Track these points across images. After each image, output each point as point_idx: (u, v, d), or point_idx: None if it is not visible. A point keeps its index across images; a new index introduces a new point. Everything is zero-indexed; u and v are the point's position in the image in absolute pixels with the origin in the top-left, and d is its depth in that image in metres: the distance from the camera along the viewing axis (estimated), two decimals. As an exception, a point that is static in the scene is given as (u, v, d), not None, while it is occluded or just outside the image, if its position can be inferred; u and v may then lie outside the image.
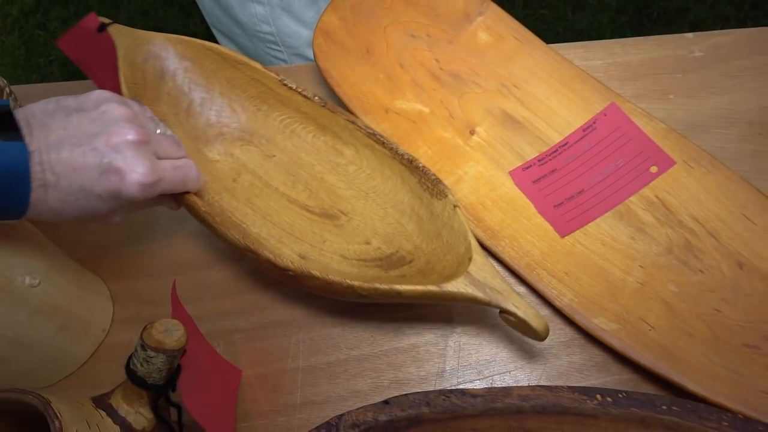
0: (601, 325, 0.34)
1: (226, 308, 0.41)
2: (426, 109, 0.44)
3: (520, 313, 0.32)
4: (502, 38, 0.44)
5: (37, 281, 0.36)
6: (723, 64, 0.44)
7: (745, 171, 0.38)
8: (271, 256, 0.34)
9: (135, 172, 0.31)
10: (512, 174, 0.41)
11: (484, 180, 0.41)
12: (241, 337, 0.39)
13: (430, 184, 0.37)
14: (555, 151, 0.41)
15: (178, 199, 0.37)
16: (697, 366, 0.31)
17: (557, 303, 0.35)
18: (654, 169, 0.38)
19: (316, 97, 0.41)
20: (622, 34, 1.31)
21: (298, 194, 0.41)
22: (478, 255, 0.34)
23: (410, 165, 0.38)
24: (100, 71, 0.46)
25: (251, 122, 0.43)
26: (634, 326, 0.33)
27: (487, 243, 0.38)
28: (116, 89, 0.39)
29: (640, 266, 0.36)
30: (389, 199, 0.40)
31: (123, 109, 0.33)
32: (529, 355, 0.36)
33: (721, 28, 1.23)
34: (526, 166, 0.41)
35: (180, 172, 0.35)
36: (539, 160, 0.41)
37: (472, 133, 0.43)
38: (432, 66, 0.45)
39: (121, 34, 0.42)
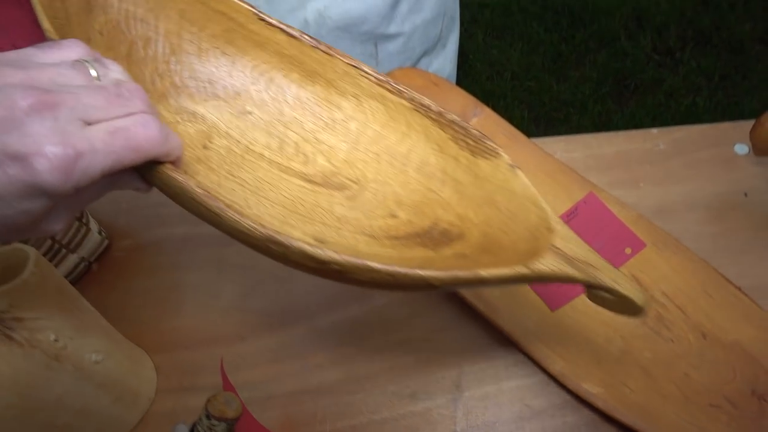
0: (588, 388, 0.39)
1: (259, 377, 0.46)
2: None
3: (621, 288, 0.28)
4: (495, 135, 0.52)
5: (101, 358, 0.41)
6: (683, 156, 0.51)
7: (706, 251, 0.45)
8: (306, 248, 0.24)
9: (40, 152, 0.21)
10: (508, 255, 0.47)
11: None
12: (273, 404, 0.45)
13: (471, 141, 0.31)
14: (544, 235, 0.47)
15: (146, 175, 0.26)
16: (671, 424, 0.37)
17: (550, 369, 0.41)
18: (628, 251, 0.45)
19: (306, 36, 0.33)
20: (603, 104, 1.41)
21: (290, 160, 0.33)
22: (558, 224, 0.28)
23: (440, 118, 0.32)
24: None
25: (214, 70, 0.34)
26: (616, 389, 0.39)
27: (488, 315, 0.44)
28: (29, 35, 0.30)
29: (620, 337, 0.42)
30: (409, 161, 0.33)
31: (9, 57, 0.23)
32: (529, 415, 0.42)
33: (693, 98, 1.34)
34: (520, 248, 0.47)
35: (122, 135, 0.24)
36: (530, 243, 0.47)
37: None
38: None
39: None
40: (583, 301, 0.44)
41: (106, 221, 0.58)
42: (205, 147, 0.32)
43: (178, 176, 0.25)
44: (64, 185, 0.22)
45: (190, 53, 0.33)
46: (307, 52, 0.33)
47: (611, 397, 0.38)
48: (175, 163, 0.26)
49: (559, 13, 1.59)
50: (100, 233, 0.56)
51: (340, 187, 0.33)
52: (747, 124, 0.51)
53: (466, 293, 0.43)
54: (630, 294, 0.28)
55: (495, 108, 1.44)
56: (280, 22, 0.32)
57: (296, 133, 0.34)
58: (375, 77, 0.33)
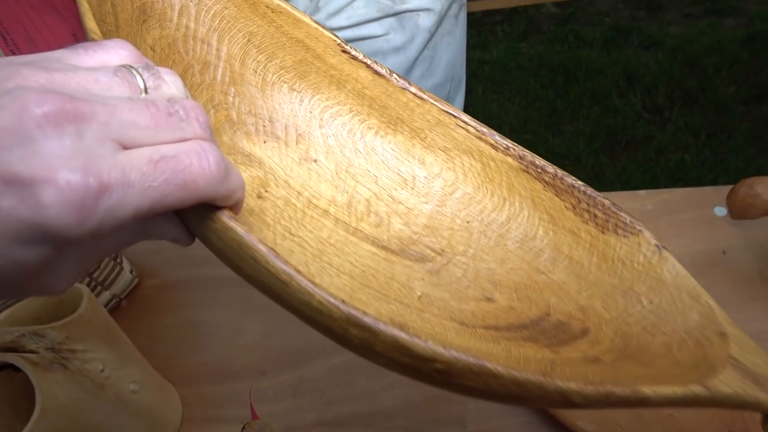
0: (584, 426, 0.43)
1: (279, 410, 0.50)
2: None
3: None
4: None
5: (137, 388, 0.45)
6: (669, 216, 0.57)
7: (689, 303, 0.50)
8: (404, 337, 0.18)
9: (50, 179, 0.15)
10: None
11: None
12: (293, 436, 0.48)
13: (599, 213, 0.25)
14: (542, 284, 0.52)
15: (192, 222, 0.21)
16: (657, 460, 0.41)
17: (550, 410, 0.45)
18: (619, 301, 0.49)
19: (395, 75, 0.28)
20: (596, 157, 1.48)
21: (360, 221, 0.27)
22: (732, 327, 0.22)
23: (560, 183, 0.26)
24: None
25: (277, 107, 0.29)
26: (608, 428, 0.43)
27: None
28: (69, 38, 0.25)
29: (611, 379, 0.46)
30: (509, 232, 0.27)
31: (31, 58, 0.18)
32: (528, 451, 0.46)
33: (682, 155, 1.41)
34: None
35: (169, 166, 0.18)
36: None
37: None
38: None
39: None
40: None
41: (135, 260, 0.62)
42: (259, 196, 0.26)
43: (238, 227, 0.19)
44: (78, 228, 0.16)
45: (253, 85, 0.28)
46: (393, 95, 0.28)
47: (604, 434, 0.42)
48: (235, 209, 0.20)
49: (555, 70, 1.68)
50: (131, 272, 0.60)
51: (421, 259, 0.26)
52: (726, 189, 0.57)
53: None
54: None
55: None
56: (366, 57, 0.27)
57: (368, 189, 0.28)
58: (475, 128, 0.27)
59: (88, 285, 0.56)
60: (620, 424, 0.43)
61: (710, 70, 1.59)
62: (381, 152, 0.29)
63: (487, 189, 0.28)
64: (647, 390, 0.19)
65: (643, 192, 0.59)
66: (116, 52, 0.20)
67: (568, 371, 0.21)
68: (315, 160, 0.28)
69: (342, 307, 0.18)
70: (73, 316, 0.41)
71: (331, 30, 0.36)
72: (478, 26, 1.74)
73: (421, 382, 0.19)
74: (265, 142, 0.28)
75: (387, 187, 0.28)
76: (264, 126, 0.29)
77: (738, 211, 0.50)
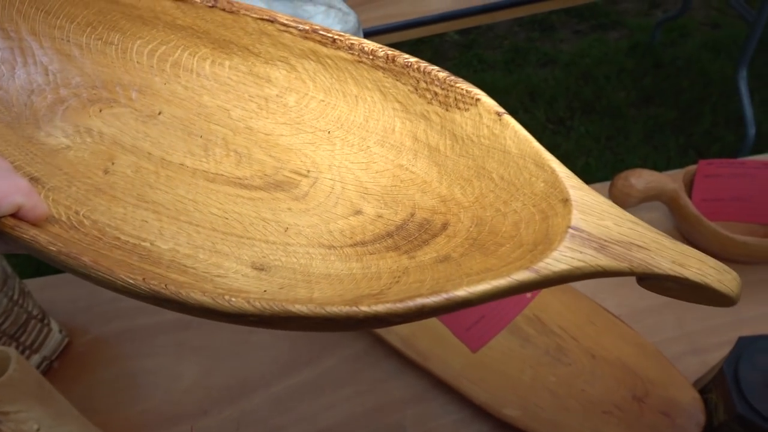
0: (509, 413, 0.47)
1: (225, 446, 0.51)
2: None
3: (691, 274, 0.19)
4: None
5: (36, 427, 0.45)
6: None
7: (590, 288, 0.55)
8: (207, 300, 0.19)
9: None
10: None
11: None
12: (241, 467, 0.49)
13: (438, 88, 0.24)
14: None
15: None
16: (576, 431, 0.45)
17: (476, 401, 0.48)
18: (528, 295, 0.54)
19: None
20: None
21: (219, 164, 0.26)
22: (578, 191, 0.20)
23: (394, 65, 0.24)
24: None
25: (102, 67, 0.27)
26: (530, 410, 0.47)
27: (421, 363, 0.52)
28: None
29: (530, 366, 0.50)
30: (368, 132, 0.26)
31: None
32: (463, 445, 0.49)
33: (586, 159, 1.50)
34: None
35: None
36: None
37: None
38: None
39: None
40: (497, 341, 0.53)
41: (64, 320, 0.62)
42: (106, 171, 0.25)
43: (25, 232, 0.20)
44: None
45: (69, 54, 0.26)
46: (206, 17, 0.26)
47: (527, 417, 0.47)
48: (26, 213, 0.21)
49: (464, 93, 1.78)
50: (60, 332, 0.60)
51: (286, 186, 0.25)
52: (608, 184, 0.63)
53: (399, 345, 0.51)
54: (706, 281, 0.19)
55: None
56: None
57: (223, 126, 0.26)
58: (297, 28, 0.25)
59: (16, 349, 0.55)
60: (540, 406, 0.47)
61: (602, 80, 1.74)
62: (225, 80, 0.27)
63: (337, 91, 0.26)
64: (461, 292, 0.18)
65: (541, 195, 0.65)
66: None
67: (411, 280, 0.21)
68: (159, 113, 0.27)
69: (142, 283, 0.19)
70: (3, 379, 0.41)
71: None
72: (388, 58, 1.82)
73: (256, 327, 0.20)
74: (101, 110, 0.26)
75: (241, 119, 0.27)
76: (96, 93, 0.26)
77: (619, 201, 0.57)
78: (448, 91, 0.24)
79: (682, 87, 1.67)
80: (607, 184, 0.63)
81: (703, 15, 1.87)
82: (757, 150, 1.49)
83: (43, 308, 0.58)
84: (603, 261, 0.19)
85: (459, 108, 0.24)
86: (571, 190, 0.21)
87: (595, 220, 0.20)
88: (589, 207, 0.20)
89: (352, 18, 0.69)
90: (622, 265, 0.19)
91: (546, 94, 1.72)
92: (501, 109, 0.23)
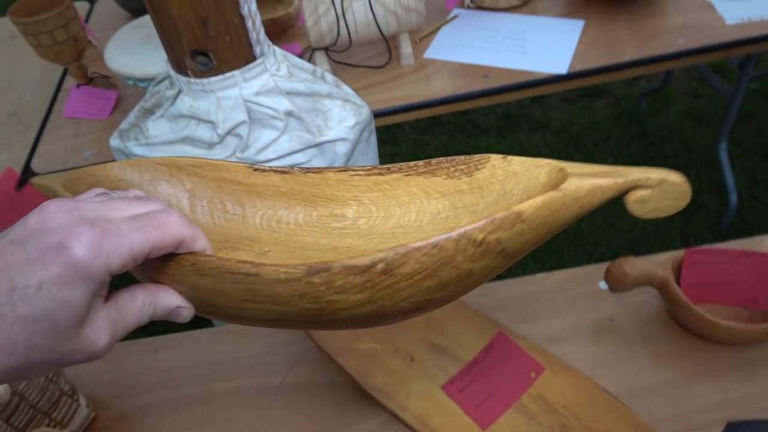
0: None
1: None
2: (378, 346, 0.63)
3: (654, 174, 0.29)
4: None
5: None
6: (564, 293, 0.67)
7: (589, 368, 0.59)
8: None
9: (71, 234, 0.24)
10: (444, 387, 0.59)
11: (426, 394, 0.59)
12: None
13: (463, 166, 0.34)
14: (469, 368, 0.60)
15: (179, 277, 0.28)
16: None
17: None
18: (533, 375, 0.58)
19: (295, 168, 0.36)
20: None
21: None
22: (568, 164, 0.31)
23: (428, 168, 0.35)
24: None
25: (226, 230, 0.36)
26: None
27: (435, 441, 0.55)
28: None
29: (536, 444, 0.54)
30: (422, 221, 0.35)
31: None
32: None
33: (578, 223, 1.57)
34: (452, 381, 0.60)
35: (144, 218, 0.27)
36: (460, 375, 0.60)
37: (412, 359, 0.62)
38: (378, 314, 0.65)
39: (47, 184, 0.35)
40: (505, 418, 0.56)
41: (90, 394, 0.65)
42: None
43: (216, 260, 0.27)
44: (96, 260, 0.24)
45: (204, 223, 0.36)
46: (301, 181, 0.36)
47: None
48: (207, 251, 0.29)
49: (459, 157, 1.86)
50: (87, 406, 0.63)
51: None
52: (605, 266, 0.68)
53: (413, 423, 0.54)
54: (663, 175, 0.29)
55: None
56: (271, 167, 0.36)
57: (315, 251, 0.36)
58: (364, 170, 0.36)
59: (48, 425, 0.58)
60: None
61: (590, 146, 1.82)
62: (314, 223, 0.37)
63: (392, 205, 0.37)
64: (522, 206, 0.28)
65: (540, 275, 0.70)
66: (94, 192, 0.31)
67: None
68: (268, 251, 0.36)
69: (300, 268, 0.26)
70: (52, 461, 0.44)
71: (261, 162, 0.46)
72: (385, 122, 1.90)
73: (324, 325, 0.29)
74: (227, 254, 0.35)
75: (328, 243, 0.36)
76: (221, 245, 0.36)
77: (614, 286, 0.61)
78: (468, 164, 0.34)
79: (666, 155, 1.76)
80: (601, 266, 0.69)
81: (685, 86, 1.98)
82: (740, 215, 1.56)
83: (72, 383, 0.61)
84: (599, 181, 0.29)
85: (478, 169, 0.34)
86: (564, 164, 0.31)
87: (583, 169, 0.30)
88: (578, 167, 0.30)
89: (365, 110, 0.76)
90: (612, 182, 0.29)
91: (538, 160, 1.80)
92: (504, 155, 0.33)
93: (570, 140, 1.85)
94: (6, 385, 0.50)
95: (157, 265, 0.28)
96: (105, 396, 0.65)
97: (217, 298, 0.28)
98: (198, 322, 1.01)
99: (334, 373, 0.64)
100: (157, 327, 1.53)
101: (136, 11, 1.27)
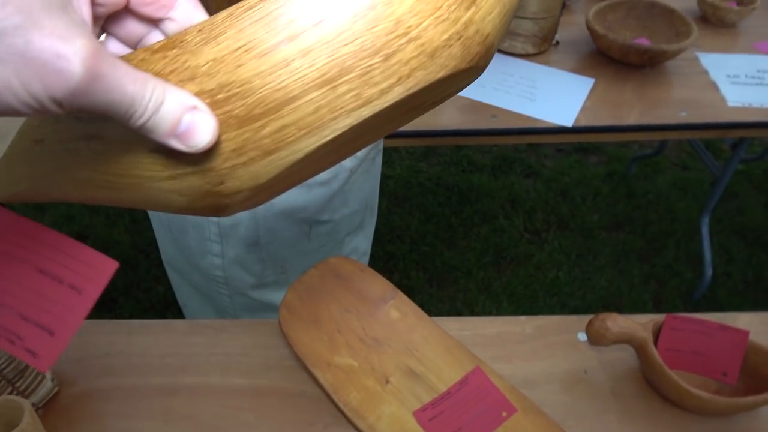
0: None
1: None
2: (355, 363, 0.63)
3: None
4: (406, 315, 0.66)
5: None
6: (544, 339, 0.68)
7: (559, 415, 0.60)
8: None
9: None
10: (415, 414, 0.59)
11: (396, 418, 0.59)
12: None
13: None
14: (442, 398, 0.61)
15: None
16: None
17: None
18: (504, 414, 0.59)
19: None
20: (486, 271, 1.65)
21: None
22: None
23: None
24: None
25: None
26: None
27: (399, 466, 0.55)
28: None
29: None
30: None
31: None
32: None
33: (557, 272, 1.59)
34: (424, 408, 0.60)
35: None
36: (432, 404, 0.60)
37: (387, 382, 0.62)
38: (359, 332, 0.65)
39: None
40: (471, 455, 0.56)
41: (56, 368, 0.64)
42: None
43: None
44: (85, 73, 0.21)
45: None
46: None
47: None
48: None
49: (450, 190, 1.88)
50: (52, 380, 0.61)
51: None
52: (586, 318, 0.70)
53: None
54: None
55: (394, 269, 1.61)
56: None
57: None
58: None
59: (10, 393, 0.57)
60: None
61: (578, 199, 1.86)
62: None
63: None
64: None
65: (523, 318, 0.71)
66: None
67: None
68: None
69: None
70: (16, 431, 0.43)
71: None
72: (384, 144, 1.92)
73: None
74: None
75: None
76: None
77: (594, 340, 0.63)
78: None
79: (650, 219, 1.80)
80: (582, 318, 0.70)
81: (676, 155, 2.04)
82: (712, 289, 1.60)
83: (42, 355, 0.60)
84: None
85: None
86: None
87: None
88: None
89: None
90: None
91: (526, 204, 1.83)
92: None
93: (559, 190, 1.89)
94: (-23, 346, 0.49)
95: None
96: (70, 372, 0.64)
97: None
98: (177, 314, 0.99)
99: (307, 384, 0.64)
100: (132, 312, 1.50)
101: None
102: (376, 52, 0.25)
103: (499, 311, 1.55)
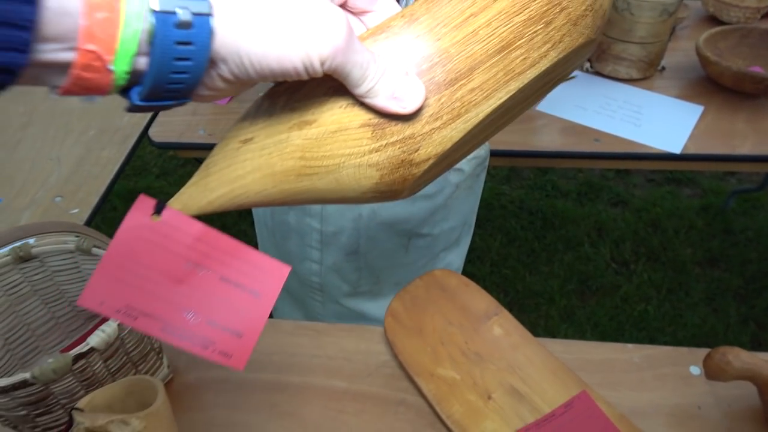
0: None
1: None
2: (458, 377, 0.63)
3: None
4: (510, 333, 0.66)
5: None
6: (653, 369, 0.66)
7: (671, 450, 0.57)
8: None
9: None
10: (518, 433, 0.58)
11: (498, 436, 0.58)
12: None
13: None
14: (546, 419, 0.59)
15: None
16: None
17: None
18: (613, 443, 0.57)
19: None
20: (569, 299, 1.60)
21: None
22: None
23: None
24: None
25: None
26: None
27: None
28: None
29: None
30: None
31: None
32: None
33: (645, 306, 1.53)
34: (527, 428, 0.59)
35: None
36: (536, 425, 0.59)
37: (489, 398, 0.61)
38: (462, 345, 0.65)
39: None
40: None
41: (172, 356, 0.67)
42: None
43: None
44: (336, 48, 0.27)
45: None
46: None
47: None
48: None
49: (534, 215, 1.85)
50: (168, 367, 0.65)
51: None
52: (698, 351, 0.67)
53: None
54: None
55: (476, 290, 1.59)
56: None
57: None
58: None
59: (134, 375, 0.60)
60: None
61: (670, 232, 1.78)
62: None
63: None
64: None
65: (630, 345, 0.68)
66: None
67: None
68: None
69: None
70: (152, 408, 0.46)
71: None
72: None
73: None
74: None
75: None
76: None
77: (713, 374, 0.59)
78: None
79: (749, 258, 1.69)
80: (695, 351, 0.67)
81: (778, 192, 1.92)
82: (819, 338, 1.48)
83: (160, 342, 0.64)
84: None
85: None
86: None
87: None
88: None
89: (485, 147, 0.77)
90: None
91: (614, 234, 1.77)
92: None
93: (650, 221, 1.82)
94: (115, 326, 0.52)
95: None
96: (184, 362, 0.68)
97: None
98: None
99: (408, 392, 0.64)
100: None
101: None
102: (540, 19, 0.30)
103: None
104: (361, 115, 0.30)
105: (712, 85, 1.13)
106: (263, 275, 0.33)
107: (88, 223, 0.87)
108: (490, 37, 0.30)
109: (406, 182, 0.32)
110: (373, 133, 0.31)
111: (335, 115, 0.31)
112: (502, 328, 0.66)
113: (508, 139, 1.01)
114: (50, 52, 0.22)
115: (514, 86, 0.31)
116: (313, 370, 0.66)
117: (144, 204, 0.32)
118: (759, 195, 1.87)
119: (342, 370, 0.66)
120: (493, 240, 1.75)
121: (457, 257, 0.93)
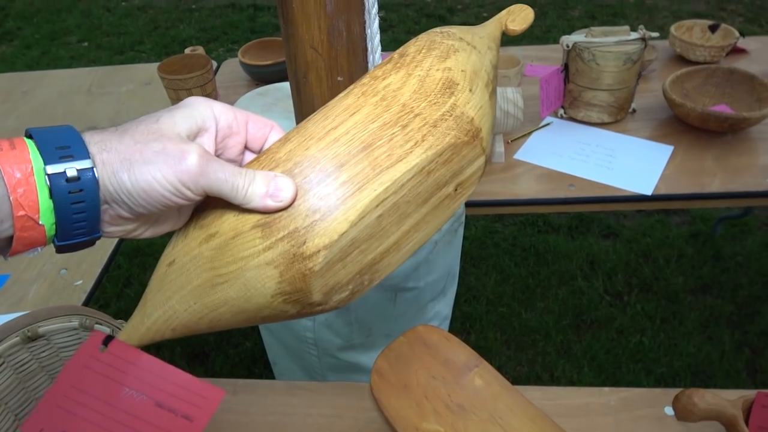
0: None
1: None
2: (442, 430, 0.66)
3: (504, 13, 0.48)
4: (490, 384, 0.69)
5: None
6: (628, 412, 0.69)
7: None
8: None
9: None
10: (500, 483, 0.61)
11: (482, 486, 0.61)
12: None
13: None
14: (527, 468, 0.62)
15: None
16: None
17: None
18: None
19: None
20: (564, 334, 1.63)
21: None
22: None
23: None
24: None
25: None
26: None
27: None
28: None
29: None
30: None
31: None
32: None
33: (640, 337, 1.55)
34: (509, 477, 0.62)
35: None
36: (517, 474, 0.62)
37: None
38: (446, 398, 0.68)
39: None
40: None
41: None
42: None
43: None
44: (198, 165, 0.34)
45: None
46: None
47: None
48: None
49: (527, 251, 1.89)
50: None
51: None
52: (674, 391, 0.70)
53: None
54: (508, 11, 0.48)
55: (471, 330, 1.63)
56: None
57: None
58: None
59: None
60: None
61: (661, 262, 1.81)
62: None
63: None
64: None
65: (606, 389, 0.72)
66: None
67: None
68: None
69: None
70: None
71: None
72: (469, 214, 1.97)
73: None
74: None
75: None
76: None
77: (681, 416, 0.63)
78: None
79: (740, 283, 1.72)
80: (669, 391, 0.70)
81: (766, 215, 1.96)
82: (814, 360, 1.49)
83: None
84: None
85: None
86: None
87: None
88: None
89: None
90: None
91: (606, 266, 1.81)
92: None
93: (641, 252, 1.85)
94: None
95: None
96: (184, 426, 0.71)
97: None
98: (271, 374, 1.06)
99: (396, 447, 0.67)
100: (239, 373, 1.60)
101: (258, 76, 1.42)
102: (395, 123, 0.36)
103: (580, 376, 1.52)
104: (252, 218, 0.35)
105: (681, 125, 1.18)
106: (198, 399, 0.37)
107: (92, 293, 0.92)
108: (350, 141, 0.35)
109: (306, 279, 0.34)
110: (263, 232, 0.35)
111: (231, 222, 0.36)
112: (483, 379, 0.70)
113: (488, 189, 1.06)
114: (3, 232, 0.31)
115: (387, 178, 0.35)
116: (307, 429, 0.70)
117: (96, 337, 0.37)
118: (746, 220, 1.91)
119: (332, 427, 0.70)
120: (488, 278, 1.79)
121: (444, 306, 0.97)
